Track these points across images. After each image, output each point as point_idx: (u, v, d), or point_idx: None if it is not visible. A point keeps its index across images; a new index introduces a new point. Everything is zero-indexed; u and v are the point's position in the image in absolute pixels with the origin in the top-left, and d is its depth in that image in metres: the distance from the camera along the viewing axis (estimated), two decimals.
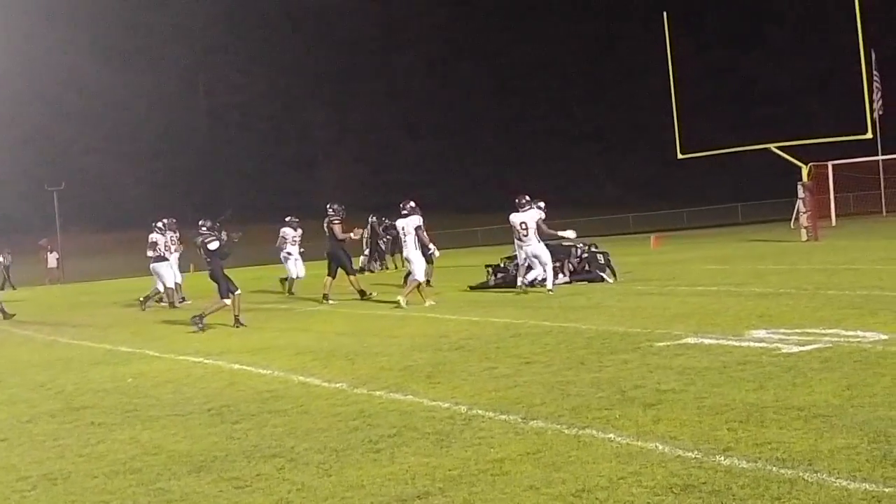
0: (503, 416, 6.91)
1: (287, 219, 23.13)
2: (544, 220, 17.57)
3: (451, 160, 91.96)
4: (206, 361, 11.17)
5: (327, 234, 19.02)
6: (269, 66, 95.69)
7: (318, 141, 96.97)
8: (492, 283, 19.56)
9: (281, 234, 22.88)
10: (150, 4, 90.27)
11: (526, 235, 17.43)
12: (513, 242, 18.16)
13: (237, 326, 14.82)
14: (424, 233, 17.09)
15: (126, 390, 9.51)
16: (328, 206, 19.20)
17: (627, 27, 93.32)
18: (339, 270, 18.96)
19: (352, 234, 19.14)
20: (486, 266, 20.37)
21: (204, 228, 15.23)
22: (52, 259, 44.12)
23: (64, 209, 51.89)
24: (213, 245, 15.02)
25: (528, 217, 17.46)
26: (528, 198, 17.76)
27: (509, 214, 17.83)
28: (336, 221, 18.82)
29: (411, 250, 16.90)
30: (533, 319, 12.98)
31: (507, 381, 8.32)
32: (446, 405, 7.48)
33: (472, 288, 19.59)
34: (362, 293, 18.78)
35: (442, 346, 10.93)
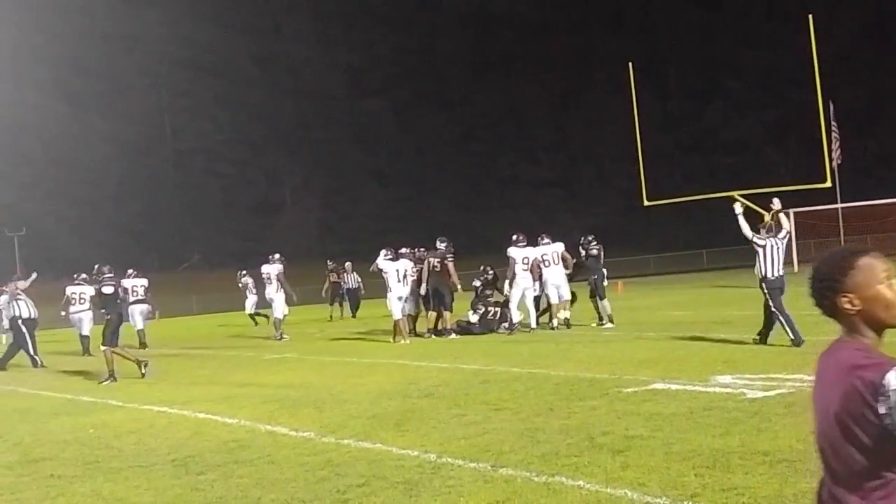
0: (472, 464, 6.88)
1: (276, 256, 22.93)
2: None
3: (417, 207, 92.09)
4: (170, 411, 11.02)
5: (433, 269, 18.65)
6: (235, 111, 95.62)
7: (284, 186, 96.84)
8: (477, 328, 19.35)
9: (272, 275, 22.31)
10: (115, 48, 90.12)
11: (548, 266, 19.01)
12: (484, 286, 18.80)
13: (112, 380, 14.50)
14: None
15: (87, 441, 9.31)
16: (441, 241, 19.10)
17: (591, 77, 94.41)
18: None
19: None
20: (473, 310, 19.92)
21: (106, 273, 15.47)
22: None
23: (24, 255, 51.32)
24: (108, 290, 15.06)
25: (557, 248, 19.42)
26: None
27: (508, 251, 18.98)
28: (451, 259, 18.91)
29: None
30: (502, 366, 12.98)
31: (476, 429, 8.30)
32: (415, 453, 7.44)
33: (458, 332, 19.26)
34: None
35: (411, 394, 10.89)
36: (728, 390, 9.41)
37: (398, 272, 18.48)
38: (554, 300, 19.22)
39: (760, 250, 13.84)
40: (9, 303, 20.22)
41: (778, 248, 13.79)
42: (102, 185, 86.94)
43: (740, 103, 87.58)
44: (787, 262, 24.76)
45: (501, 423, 8.47)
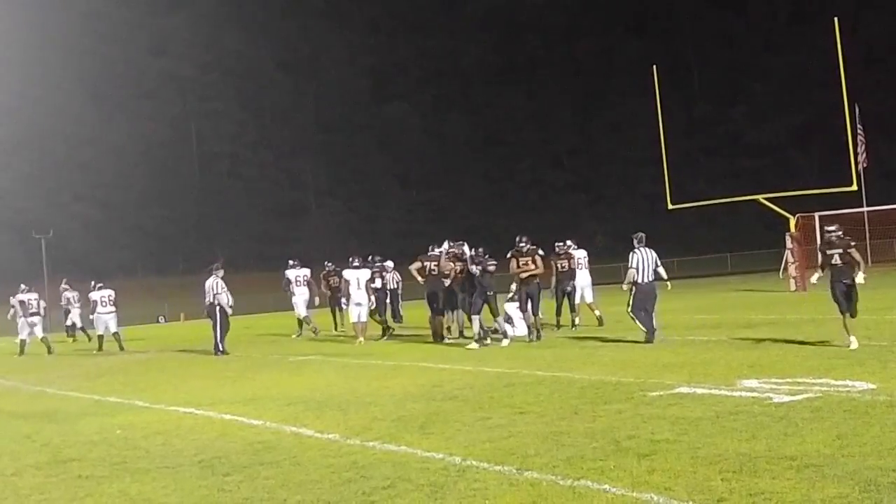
0: (497, 468, 6.88)
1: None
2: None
3: (440, 210, 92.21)
4: (196, 412, 11.07)
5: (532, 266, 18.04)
6: (260, 115, 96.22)
7: (308, 189, 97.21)
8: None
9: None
10: (142, 52, 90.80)
11: (580, 269, 20.21)
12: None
13: None
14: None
15: (114, 442, 9.34)
16: (521, 239, 18.12)
17: (616, 80, 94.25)
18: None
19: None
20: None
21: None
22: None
23: (52, 257, 51.73)
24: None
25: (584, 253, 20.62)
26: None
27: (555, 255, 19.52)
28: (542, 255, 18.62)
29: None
30: (526, 369, 12.97)
31: (501, 432, 8.29)
32: (440, 456, 7.44)
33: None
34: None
35: (435, 396, 10.89)
36: (754, 394, 9.36)
37: (358, 280, 20.00)
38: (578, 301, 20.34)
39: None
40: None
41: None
42: (128, 188, 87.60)
43: (765, 107, 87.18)
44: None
45: (526, 427, 8.46)
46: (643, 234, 16.15)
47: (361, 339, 19.91)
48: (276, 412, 10.58)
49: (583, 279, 20.41)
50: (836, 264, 13.39)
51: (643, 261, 15.79)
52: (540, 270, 17.74)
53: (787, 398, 8.98)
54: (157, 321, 49.84)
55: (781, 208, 32.19)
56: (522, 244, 17.67)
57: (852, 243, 13.40)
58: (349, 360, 16.65)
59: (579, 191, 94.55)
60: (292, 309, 24.81)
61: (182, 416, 10.90)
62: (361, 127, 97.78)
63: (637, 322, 15.77)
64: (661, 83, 34.93)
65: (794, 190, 33.17)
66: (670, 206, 35.38)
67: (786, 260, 32.27)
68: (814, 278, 13.41)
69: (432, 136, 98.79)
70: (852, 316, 13.24)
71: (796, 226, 31.41)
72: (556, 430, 8.21)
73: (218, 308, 19.80)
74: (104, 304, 23.95)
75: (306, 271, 24.73)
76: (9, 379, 18.07)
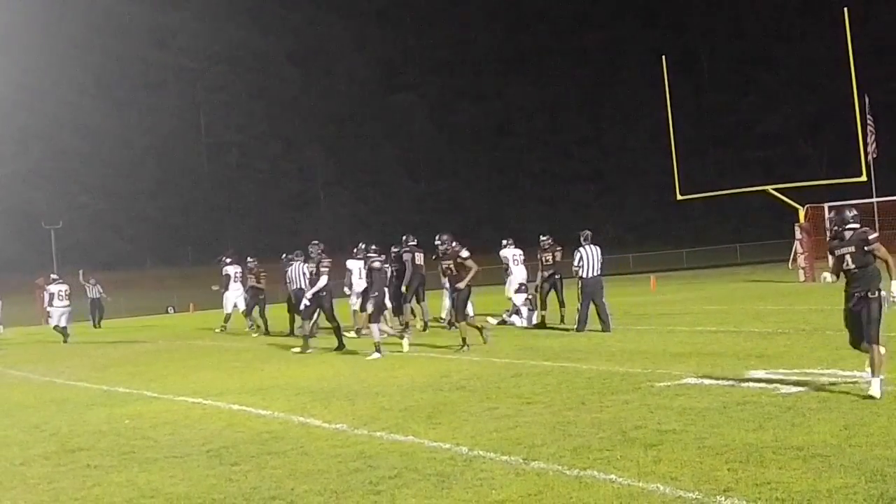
0: (504, 458, 6.89)
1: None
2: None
3: (449, 200, 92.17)
4: (204, 402, 11.11)
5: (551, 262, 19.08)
6: (269, 105, 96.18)
7: (317, 180, 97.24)
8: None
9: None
10: (150, 43, 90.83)
11: (516, 265, 20.20)
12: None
13: None
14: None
15: (123, 432, 9.40)
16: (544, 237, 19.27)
17: (625, 71, 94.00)
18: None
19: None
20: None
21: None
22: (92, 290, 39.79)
23: (61, 248, 51.84)
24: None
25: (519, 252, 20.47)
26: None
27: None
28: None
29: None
30: (533, 360, 12.98)
31: (508, 422, 8.31)
32: (447, 446, 7.46)
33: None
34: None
35: (443, 387, 10.91)
36: (762, 385, 9.36)
37: (360, 270, 19.10)
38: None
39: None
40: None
41: None
42: (137, 179, 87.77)
43: (774, 97, 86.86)
44: (822, 256, 24.63)
45: (533, 417, 8.47)
46: (589, 233, 17.40)
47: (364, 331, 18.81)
48: (284, 402, 10.61)
49: (519, 275, 20.50)
50: (849, 269, 8.78)
51: (586, 258, 16.99)
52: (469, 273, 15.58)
53: (794, 389, 8.99)
54: (167, 312, 49.97)
55: (791, 199, 32.12)
56: (442, 245, 15.96)
57: (871, 237, 8.77)
58: (357, 350, 16.61)
59: (588, 181, 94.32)
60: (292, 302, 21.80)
61: (190, 406, 10.94)
62: (370, 117, 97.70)
63: (579, 314, 17.05)
64: (670, 73, 34.84)
65: (803, 180, 33.11)
66: (679, 197, 35.31)
67: (795, 250, 32.19)
68: (827, 278, 9.28)
69: (441, 126, 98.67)
70: (869, 343, 8.58)
71: (806, 216, 31.33)
72: (563, 420, 8.22)
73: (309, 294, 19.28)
74: (60, 297, 25.30)
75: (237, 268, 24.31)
76: (18, 369, 18.16)
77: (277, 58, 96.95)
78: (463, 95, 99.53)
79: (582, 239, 17.20)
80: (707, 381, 9.86)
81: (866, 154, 32.40)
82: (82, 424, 10.09)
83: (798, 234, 31.21)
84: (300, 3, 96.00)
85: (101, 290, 33.76)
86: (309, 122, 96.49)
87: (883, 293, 8.48)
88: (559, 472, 6.35)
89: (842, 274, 8.91)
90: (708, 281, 37.28)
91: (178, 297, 54.54)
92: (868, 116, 41.73)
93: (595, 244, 17.33)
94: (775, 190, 32.66)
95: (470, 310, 15.75)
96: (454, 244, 15.90)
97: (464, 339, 15.07)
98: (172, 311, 50.97)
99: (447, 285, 17.44)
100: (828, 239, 9.57)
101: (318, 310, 17.59)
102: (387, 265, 18.62)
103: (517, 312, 19.61)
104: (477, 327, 15.58)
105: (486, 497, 5.83)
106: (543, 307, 19.24)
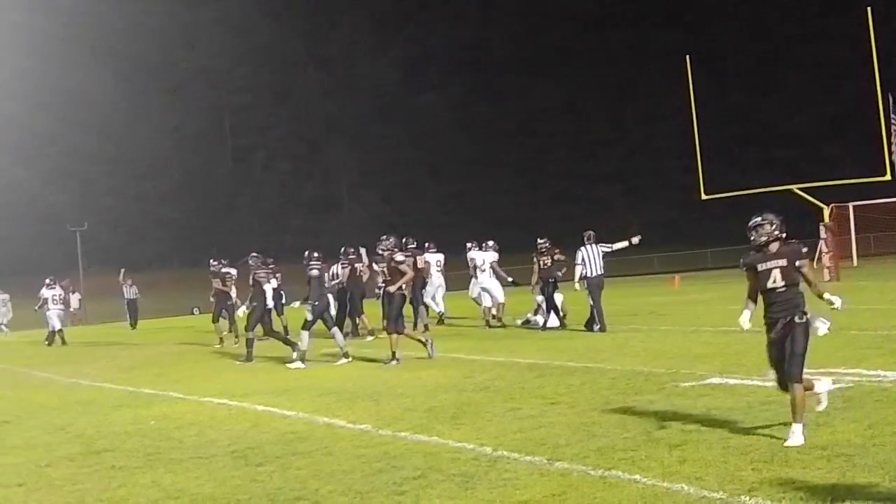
0: (528, 458, 6.90)
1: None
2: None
3: (472, 201, 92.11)
4: (229, 403, 11.16)
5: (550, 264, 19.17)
6: (293, 107, 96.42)
7: (341, 182, 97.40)
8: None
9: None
10: (174, 45, 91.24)
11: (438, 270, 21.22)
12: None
13: None
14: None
15: (148, 433, 9.46)
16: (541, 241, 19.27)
17: (648, 70, 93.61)
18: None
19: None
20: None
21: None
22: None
23: (86, 250, 52.16)
24: None
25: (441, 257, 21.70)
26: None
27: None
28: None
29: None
30: (558, 360, 12.97)
31: (532, 422, 8.31)
32: (471, 446, 7.48)
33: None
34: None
35: (466, 387, 10.93)
36: None
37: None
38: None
39: None
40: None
41: None
42: (162, 180, 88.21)
43: (798, 96, 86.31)
44: (847, 256, 24.52)
45: (557, 417, 8.47)
46: (592, 233, 17.80)
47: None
48: (309, 403, 10.65)
49: (437, 281, 21.28)
50: (774, 288, 7.62)
51: (587, 257, 17.48)
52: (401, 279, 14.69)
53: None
54: (192, 313, 50.19)
55: (815, 198, 31.94)
56: (382, 247, 15.17)
57: (805, 250, 7.84)
58: (380, 351, 16.57)
59: (612, 181, 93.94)
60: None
61: (215, 407, 11.00)
62: (394, 118, 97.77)
63: (594, 313, 17.42)
64: (694, 73, 34.72)
65: (827, 180, 32.89)
66: (703, 197, 35.19)
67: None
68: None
69: (464, 126, 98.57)
70: (790, 382, 7.28)
71: (830, 216, 31.15)
72: (587, 420, 8.22)
73: (348, 293, 19.22)
74: (55, 301, 26.18)
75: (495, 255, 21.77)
76: (44, 370, 18.27)
77: (301, 59, 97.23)
78: (486, 96, 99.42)
79: (585, 239, 17.72)
80: (731, 381, 9.83)
81: (890, 153, 32.16)
82: (107, 426, 10.15)
83: (823, 234, 31.05)
84: (323, 5, 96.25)
85: (136, 292, 34.29)
86: (332, 124, 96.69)
87: (810, 315, 7.42)
88: (583, 472, 6.35)
89: (758, 297, 7.56)
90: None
91: (203, 298, 54.78)
92: (892, 115, 41.37)
93: (598, 244, 17.73)
94: (800, 189, 32.49)
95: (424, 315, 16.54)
96: (395, 248, 15.03)
97: (393, 353, 14.19)
98: (198, 311, 51.17)
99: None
100: (742, 261, 7.76)
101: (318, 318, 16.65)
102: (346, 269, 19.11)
103: (538, 312, 19.56)
104: (420, 340, 14.87)
105: (510, 497, 5.85)
106: (557, 311, 19.23)
